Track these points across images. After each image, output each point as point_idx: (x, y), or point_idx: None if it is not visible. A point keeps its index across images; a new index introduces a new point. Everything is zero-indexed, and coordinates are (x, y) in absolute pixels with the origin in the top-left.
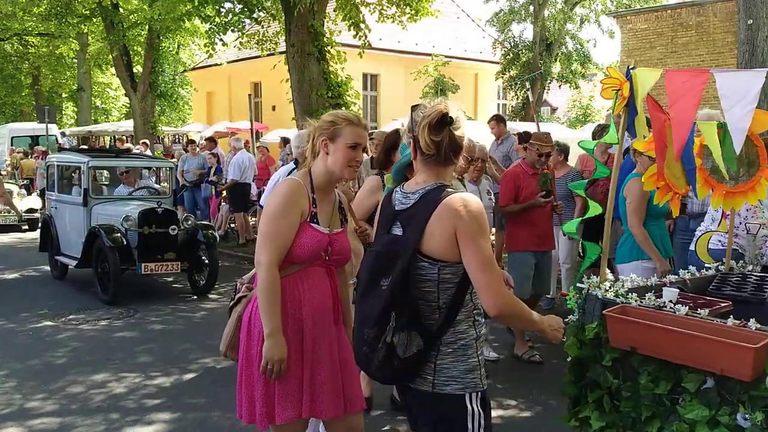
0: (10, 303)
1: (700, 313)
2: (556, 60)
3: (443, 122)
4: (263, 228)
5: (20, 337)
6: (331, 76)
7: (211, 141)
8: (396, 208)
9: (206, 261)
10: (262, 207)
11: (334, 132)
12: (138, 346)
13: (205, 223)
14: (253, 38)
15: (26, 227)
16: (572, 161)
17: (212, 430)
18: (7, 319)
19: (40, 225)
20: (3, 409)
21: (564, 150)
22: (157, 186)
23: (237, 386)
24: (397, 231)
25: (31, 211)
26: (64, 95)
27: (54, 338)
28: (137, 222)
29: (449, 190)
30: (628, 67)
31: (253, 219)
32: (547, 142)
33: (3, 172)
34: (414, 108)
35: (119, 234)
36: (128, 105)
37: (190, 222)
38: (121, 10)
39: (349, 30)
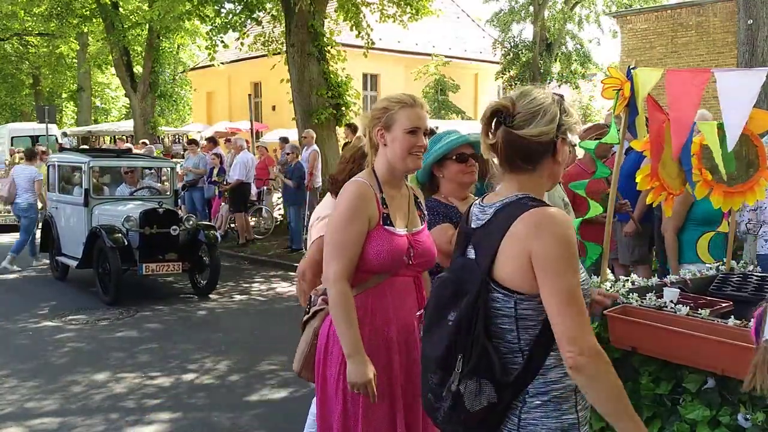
0: (10, 303)
1: (701, 314)
2: (556, 60)
3: (495, 120)
4: (328, 239)
5: (20, 337)
6: (331, 76)
7: (212, 141)
8: (472, 225)
9: (207, 261)
10: (262, 208)
11: (389, 119)
12: (138, 346)
13: (207, 223)
14: (259, 39)
15: None
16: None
17: (212, 430)
18: (7, 319)
19: (40, 225)
20: (3, 409)
21: None
22: (158, 186)
23: (316, 408)
24: (471, 254)
25: None
26: (64, 95)
27: (54, 338)
28: (138, 222)
29: (533, 203)
30: (629, 67)
31: (253, 219)
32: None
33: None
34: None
35: (120, 234)
36: (128, 105)
37: (191, 222)
38: (121, 10)
39: (351, 30)
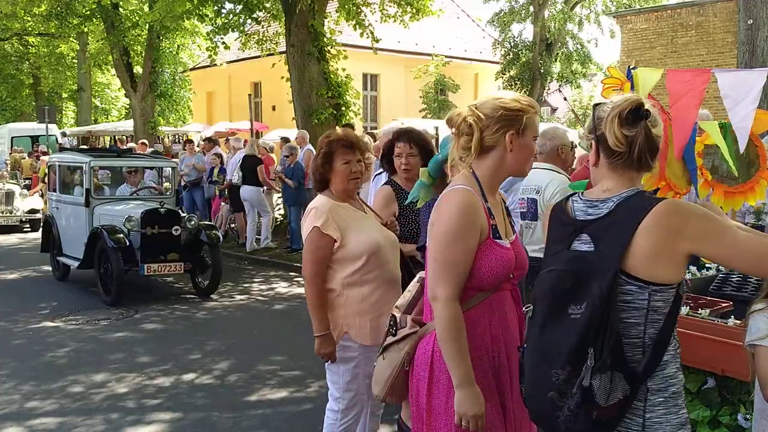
0: (10, 303)
1: (701, 313)
2: (556, 60)
3: (638, 114)
4: (436, 255)
5: (20, 337)
6: (331, 76)
7: (210, 141)
8: (579, 218)
9: (210, 262)
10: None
11: (526, 123)
12: (138, 346)
13: (208, 223)
14: (253, 38)
15: (28, 228)
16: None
17: (212, 430)
18: (7, 319)
19: (41, 225)
20: (3, 409)
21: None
22: (159, 186)
23: None
24: (584, 246)
25: (32, 211)
26: (64, 95)
27: (54, 338)
28: (140, 222)
29: (653, 197)
30: (629, 66)
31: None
32: None
33: (4, 173)
34: (596, 106)
35: (122, 234)
36: (128, 105)
37: (193, 222)
38: (121, 10)
39: (354, 30)
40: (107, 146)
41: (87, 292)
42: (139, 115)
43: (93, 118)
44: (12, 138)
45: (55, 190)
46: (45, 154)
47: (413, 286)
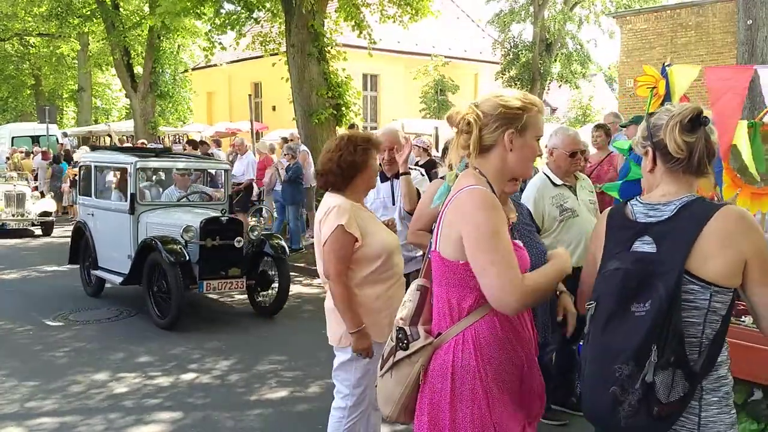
0: (11, 303)
1: (744, 320)
2: (556, 60)
3: (699, 121)
4: (492, 258)
5: (20, 337)
6: (331, 76)
7: (205, 144)
8: (640, 221)
9: (275, 277)
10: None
11: (527, 122)
12: (138, 346)
13: (272, 233)
14: (257, 38)
15: (39, 232)
16: None
17: (212, 430)
18: (7, 318)
19: (71, 233)
20: (3, 408)
21: None
22: (209, 190)
23: None
24: (646, 247)
25: (45, 214)
26: (64, 96)
27: (54, 338)
28: (199, 233)
29: (715, 203)
30: (664, 64)
31: (253, 219)
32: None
33: (13, 174)
34: (651, 115)
35: (179, 247)
36: (128, 105)
37: (255, 232)
38: (121, 10)
39: (353, 30)
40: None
41: (86, 291)
42: (139, 116)
43: (93, 118)
44: (12, 138)
45: (88, 194)
46: (45, 154)
47: (412, 295)
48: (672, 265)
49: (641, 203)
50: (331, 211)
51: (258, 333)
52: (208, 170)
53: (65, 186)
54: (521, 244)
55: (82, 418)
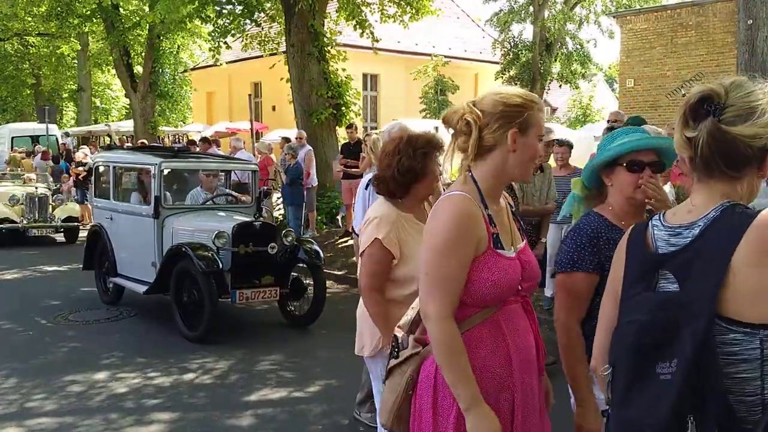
0: (10, 303)
1: None
2: (556, 60)
3: (703, 109)
4: (428, 269)
5: (20, 337)
6: (331, 76)
7: (207, 142)
8: (660, 251)
9: (310, 285)
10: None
11: (528, 120)
12: (138, 346)
13: (306, 238)
14: (256, 39)
15: (61, 238)
16: (574, 161)
17: (212, 430)
18: (7, 319)
19: (87, 237)
20: (3, 408)
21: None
22: (235, 193)
23: None
24: (670, 286)
25: (70, 219)
26: (64, 95)
27: (54, 338)
28: (231, 239)
29: (746, 212)
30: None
31: None
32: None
33: (32, 175)
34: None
35: (211, 254)
36: (128, 105)
37: (290, 238)
38: (121, 10)
39: (355, 29)
40: (108, 145)
41: (86, 291)
42: (139, 115)
43: (93, 118)
44: (12, 138)
45: (105, 197)
46: (46, 154)
47: (417, 303)
48: (699, 308)
49: (664, 226)
50: (371, 222)
51: (258, 333)
52: (234, 171)
53: (65, 186)
54: (511, 254)
55: (82, 418)
